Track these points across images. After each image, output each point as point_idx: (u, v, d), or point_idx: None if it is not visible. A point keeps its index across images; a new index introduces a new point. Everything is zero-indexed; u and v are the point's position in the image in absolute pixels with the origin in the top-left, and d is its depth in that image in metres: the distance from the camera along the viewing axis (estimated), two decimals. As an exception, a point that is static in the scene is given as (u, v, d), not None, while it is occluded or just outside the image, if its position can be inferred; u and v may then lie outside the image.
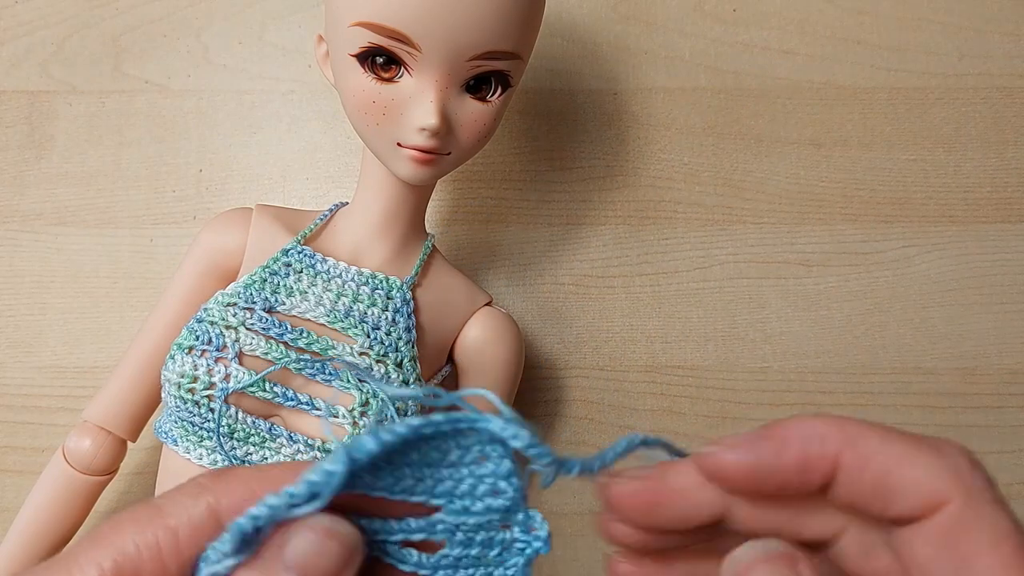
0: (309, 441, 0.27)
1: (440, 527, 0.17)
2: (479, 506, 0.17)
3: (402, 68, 0.26)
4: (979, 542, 0.16)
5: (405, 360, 0.28)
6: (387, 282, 0.29)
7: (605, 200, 0.38)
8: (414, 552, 0.17)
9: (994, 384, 0.37)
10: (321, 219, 0.30)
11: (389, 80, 0.26)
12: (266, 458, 0.26)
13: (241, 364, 0.27)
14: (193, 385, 0.26)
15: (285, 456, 0.26)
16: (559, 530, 0.36)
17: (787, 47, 0.39)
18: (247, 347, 0.27)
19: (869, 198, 0.38)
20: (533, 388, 0.37)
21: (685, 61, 0.39)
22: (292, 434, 0.27)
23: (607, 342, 0.37)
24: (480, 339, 0.31)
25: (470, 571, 0.17)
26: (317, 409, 0.27)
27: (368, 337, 0.28)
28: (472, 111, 0.27)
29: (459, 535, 0.17)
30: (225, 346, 0.27)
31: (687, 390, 0.37)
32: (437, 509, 0.16)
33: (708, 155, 0.39)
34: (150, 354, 0.30)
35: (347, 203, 0.31)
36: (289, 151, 0.39)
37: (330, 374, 0.27)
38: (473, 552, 0.17)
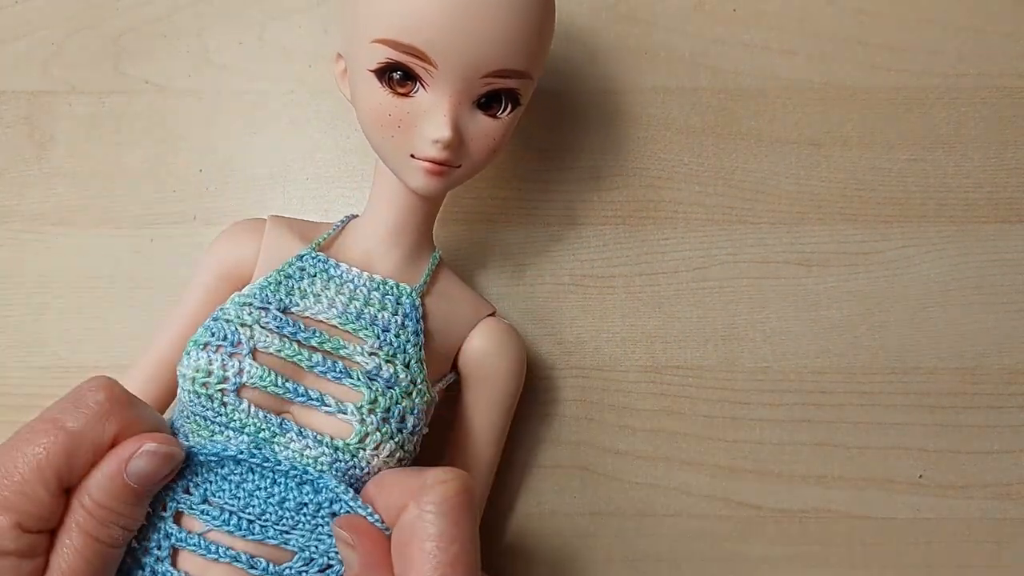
0: (318, 437, 0.27)
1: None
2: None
3: (418, 84, 0.27)
4: (413, 535, 0.24)
5: (412, 362, 0.29)
6: (397, 288, 0.30)
7: (605, 200, 0.38)
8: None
9: (994, 384, 0.37)
10: (334, 229, 0.32)
11: (405, 95, 0.27)
12: (276, 452, 0.27)
13: (255, 360, 0.28)
14: (207, 379, 0.27)
15: (294, 451, 0.27)
16: (558, 530, 0.36)
17: (787, 47, 0.39)
18: (261, 344, 0.28)
19: (869, 198, 0.38)
20: (532, 388, 0.37)
21: (685, 61, 0.39)
22: (302, 429, 0.28)
23: (607, 342, 0.37)
24: (483, 349, 0.32)
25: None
26: (327, 405, 0.28)
27: (378, 339, 0.29)
28: (483, 126, 0.28)
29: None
30: (240, 342, 0.27)
31: (687, 390, 0.37)
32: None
33: (708, 155, 0.39)
34: (166, 357, 0.31)
35: (357, 215, 0.32)
36: (289, 151, 0.39)
37: (340, 372, 0.28)
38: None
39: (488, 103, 0.28)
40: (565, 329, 0.37)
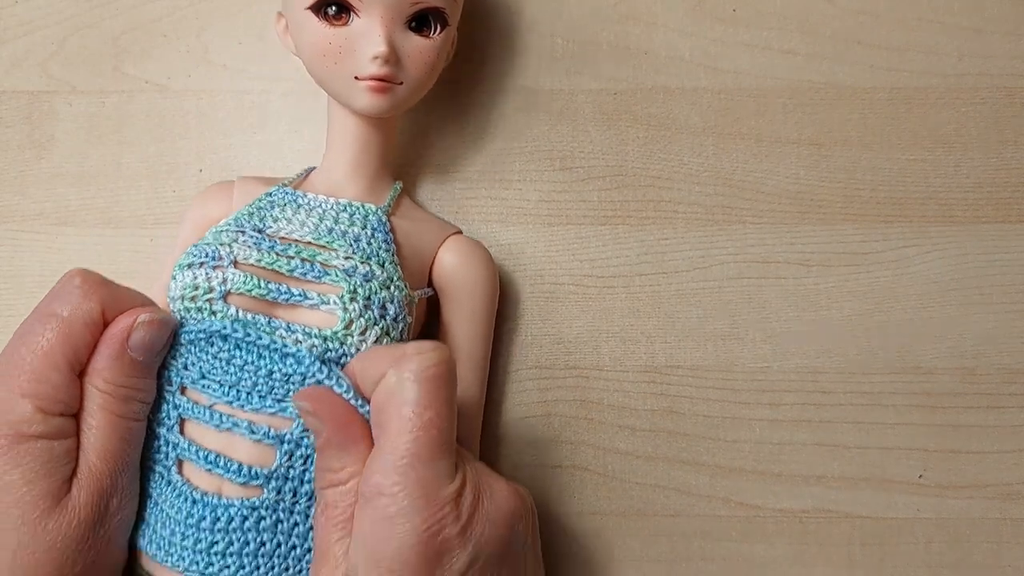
0: (306, 329, 0.29)
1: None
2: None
3: (351, 14, 0.30)
4: (389, 400, 0.25)
5: (387, 263, 0.31)
6: (364, 208, 0.32)
7: (605, 200, 0.38)
8: None
9: (994, 384, 0.37)
10: (299, 175, 0.34)
11: (342, 25, 0.30)
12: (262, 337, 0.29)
13: (237, 269, 0.29)
14: (195, 293, 0.29)
15: (287, 344, 0.29)
16: (559, 529, 0.36)
17: (787, 47, 0.39)
18: (241, 256, 0.29)
19: (869, 198, 0.38)
20: (532, 388, 0.37)
21: (685, 61, 0.39)
22: (290, 324, 0.29)
23: (607, 342, 0.37)
24: (452, 263, 0.34)
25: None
26: (309, 299, 0.29)
27: (351, 247, 0.30)
28: (417, 45, 0.31)
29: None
30: (221, 256, 0.29)
31: (687, 390, 0.37)
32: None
33: (708, 155, 0.39)
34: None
35: (316, 167, 0.34)
36: (289, 151, 0.39)
37: (320, 272, 0.30)
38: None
39: (420, 26, 0.31)
40: (565, 329, 0.37)
